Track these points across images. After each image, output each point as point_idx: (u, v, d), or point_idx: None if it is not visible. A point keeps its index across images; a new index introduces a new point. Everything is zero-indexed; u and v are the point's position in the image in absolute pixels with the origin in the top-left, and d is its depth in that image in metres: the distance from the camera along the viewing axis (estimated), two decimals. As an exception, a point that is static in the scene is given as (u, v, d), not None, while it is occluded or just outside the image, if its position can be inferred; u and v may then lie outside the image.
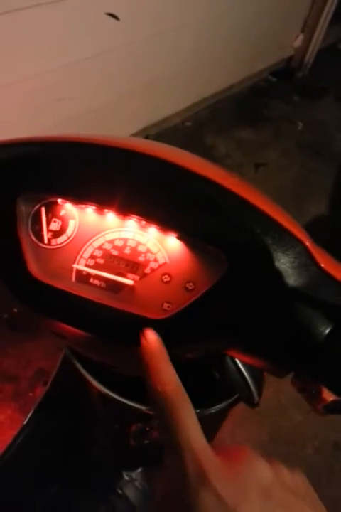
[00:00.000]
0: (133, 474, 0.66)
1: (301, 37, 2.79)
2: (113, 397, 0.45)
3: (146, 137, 2.03)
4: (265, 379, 0.52)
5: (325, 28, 2.79)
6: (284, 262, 0.29)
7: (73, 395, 0.64)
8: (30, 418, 0.68)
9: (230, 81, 2.51)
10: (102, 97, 1.72)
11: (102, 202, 0.30)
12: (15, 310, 1.32)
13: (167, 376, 0.27)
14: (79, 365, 0.47)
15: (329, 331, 0.28)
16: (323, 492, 0.24)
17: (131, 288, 0.31)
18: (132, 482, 0.66)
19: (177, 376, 0.27)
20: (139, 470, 0.66)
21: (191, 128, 2.30)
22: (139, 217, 0.30)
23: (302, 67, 2.91)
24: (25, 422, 0.68)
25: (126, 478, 0.66)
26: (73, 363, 0.47)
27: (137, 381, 0.45)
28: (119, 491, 0.65)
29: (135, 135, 1.97)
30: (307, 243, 0.30)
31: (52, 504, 0.64)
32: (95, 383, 0.46)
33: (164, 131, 2.16)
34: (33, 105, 1.47)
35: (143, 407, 0.45)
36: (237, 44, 2.30)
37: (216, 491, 0.22)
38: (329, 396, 0.30)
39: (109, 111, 1.79)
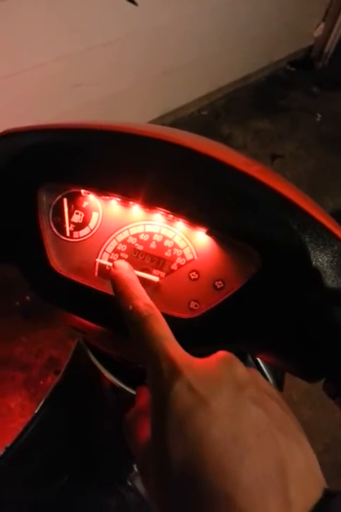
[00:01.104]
0: (143, 466, 0.65)
1: (322, 26, 2.71)
2: (125, 389, 0.45)
3: (162, 126, 2.01)
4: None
5: (348, 17, 2.72)
6: (322, 261, 0.27)
7: (85, 386, 0.64)
8: (41, 407, 0.68)
9: (248, 70, 2.47)
10: (118, 84, 1.71)
11: (127, 193, 0.29)
12: (28, 298, 1.32)
13: (136, 294, 0.27)
14: (92, 356, 0.47)
15: None
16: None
17: (157, 285, 0.30)
18: (141, 474, 0.65)
19: (148, 296, 0.28)
20: (149, 463, 0.65)
21: (207, 117, 2.27)
22: (166, 211, 0.29)
23: (322, 57, 2.83)
24: (36, 411, 0.68)
25: (136, 470, 0.65)
26: (86, 354, 0.47)
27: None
28: (129, 483, 0.65)
29: (151, 123, 1.95)
30: None
31: (62, 494, 0.63)
32: (108, 375, 0.46)
33: (180, 120, 2.13)
34: (50, 90, 1.46)
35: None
36: (255, 32, 2.26)
37: (189, 382, 0.23)
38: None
39: (124, 98, 1.78)
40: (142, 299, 0.27)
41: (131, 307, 0.26)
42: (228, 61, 2.23)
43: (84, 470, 0.66)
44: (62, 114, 1.47)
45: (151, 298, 0.28)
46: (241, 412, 0.22)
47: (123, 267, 0.28)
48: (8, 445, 0.65)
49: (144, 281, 0.29)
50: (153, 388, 0.24)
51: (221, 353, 0.26)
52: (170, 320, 0.28)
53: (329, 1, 2.59)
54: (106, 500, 0.65)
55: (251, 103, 2.43)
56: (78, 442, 0.67)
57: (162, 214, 0.29)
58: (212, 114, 2.29)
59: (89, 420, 0.67)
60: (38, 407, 0.68)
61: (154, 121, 1.99)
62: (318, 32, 2.74)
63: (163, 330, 0.26)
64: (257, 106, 2.41)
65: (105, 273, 0.30)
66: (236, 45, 2.19)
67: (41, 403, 0.69)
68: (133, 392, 0.45)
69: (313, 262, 0.27)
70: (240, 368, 0.25)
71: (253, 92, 2.52)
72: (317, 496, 0.20)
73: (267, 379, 0.45)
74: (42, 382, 1.21)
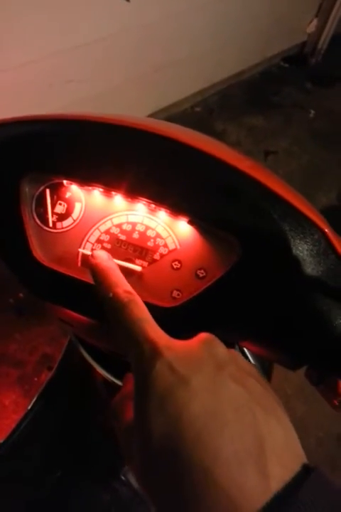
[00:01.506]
0: (137, 461, 0.66)
1: (315, 22, 2.71)
2: (117, 384, 0.45)
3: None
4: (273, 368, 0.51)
5: (340, 13, 2.71)
6: (302, 250, 0.27)
7: (77, 381, 0.64)
8: (34, 403, 0.68)
9: (241, 66, 2.46)
10: (111, 80, 1.70)
11: (110, 184, 0.29)
12: (21, 295, 1.32)
13: (115, 281, 0.27)
14: (84, 352, 0.47)
15: None
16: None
17: (139, 274, 0.30)
18: (135, 469, 0.66)
19: (127, 283, 0.28)
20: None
21: (201, 113, 2.27)
22: (148, 201, 0.29)
23: (315, 53, 2.83)
24: (29, 407, 0.68)
25: (129, 464, 0.66)
26: (78, 350, 0.47)
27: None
28: (122, 478, 0.65)
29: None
30: (326, 230, 0.29)
31: (56, 489, 0.64)
32: (100, 370, 0.46)
33: (173, 116, 2.13)
34: (41, 87, 1.45)
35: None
36: (248, 28, 2.25)
37: (169, 362, 0.23)
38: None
39: (117, 94, 1.77)
40: (122, 286, 0.27)
41: (111, 294, 0.27)
42: (221, 57, 2.22)
43: (77, 465, 0.66)
44: (53, 110, 1.45)
45: (134, 287, 0.28)
46: (220, 389, 0.23)
47: (101, 255, 0.29)
48: (1, 441, 0.65)
49: (127, 271, 0.30)
50: (136, 371, 0.25)
51: (202, 335, 0.26)
52: (153, 309, 0.28)
53: (322, -3, 2.60)
54: (100, 495, 0.65)
55: (245, 99, 2.43)
56: (71, 437, 0.67)
57: (144, 204, 0.29)
58: (206, 111, 2.28)
59: (83, 415, 0.67)
60: (31, 403, 0.68)
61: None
62: (311, 28, 2.73)
63: (142, 314, 0.26)
64: (251, 102, 2.41)
65: (88, 263, 0.30)
66: (229, 42, 2.18)
67: (34, 399, 0.69)
68: None
69: (293, 251, 0.27)
70: (220, 348, 0.25)
71: (247, 88, 2.51)
72: (296, 469, 0.21)
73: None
74: (36, 379, 1.21)
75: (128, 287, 0.28)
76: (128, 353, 0.26)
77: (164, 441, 0.21)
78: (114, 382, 0.45)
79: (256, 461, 0.20)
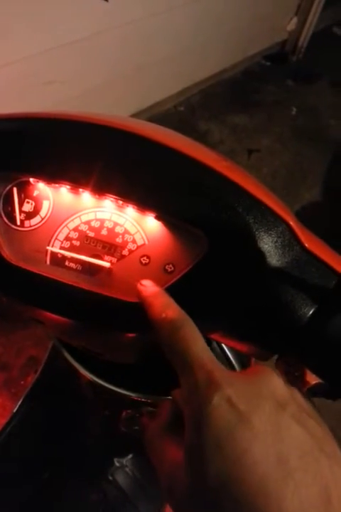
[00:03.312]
0: (124, 461, 0.66)
1: (295, 20, 2.74)
2: (102, 385, 0.45)
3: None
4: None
5: (320, 11, 2.74)
6: (267, 242, 0.28)
7: (63, 383, 0.64)
8: (20, 406, 0.68)
9: (223, 65, 2.47)
10: (92, 80, 1.69)
11: (77, 181, 0.29)
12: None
13: (167, 303, 0.27)
14: (67, 354, 0.47)
15: (313, 313, 0.28)
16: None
17: (108, 270, 0.30)
18: (123, 468, 0.66)
19: (176, 304, 0.27)
20: (130, 456, 0.66)
21: (184, 113, 2.27)
22: (116, 197, 0.29)
23: (296, 51, 2.86)
24: (15, 410, 0.68)
25: (117, 464, 0.66)
26: (61, 352, 0.47)
27: (126, 368, 0.45)
28: (110, 477, 0.65)
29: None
30: (291, 222, 0.29)
31: (43, 490, 0.64)
32: (83, 371, 0.46)
33: (156, 116, 2.13)
34: (21, 89, 1.44)
35: (132, 394, 0.44)
36: (229, 27, 2.26)
37: (228, 396, 0.22)
38: (312, 379, 0.29)
39: (98, 95, 1.76)
40: (173, 308, 0.27)
41: (163, 315, 0.26)
42: (202, 56, 2.23)
43: (65, 466, 0.66)
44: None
45: (103, 283, 0.29)
46: (283, 432, 0.21)
47: (147, 283, 0.28)
48: (-13, 445, 0.65)
49: (96, 267, 0.30)
50: (189, 400, 0.23)
51: (260, 367, 0.25)
52: (122, 304, 0.29)
53: (301, -5, 2.63)
54: (88, 495, 0.65)
55: (227, 98, 2.44)
56: (58, 439, 0.67)
57: (112, 200, 0.30)
58: (189, 110, 2.29)
59: (69, 417, 0.67)
60: (17, 406, 0.68)
61: (130, 118, 1.98)
62: (291, 26, 2.76)
63: (197, 338, 0.25)
64: (233, 101, 2.42)
65: (57, 261, 0.30)
66: (210, 40, 2.19)
67: (19, 402, 0.68)
68: (110, 386, 0.45)
69: (258, 243, 0.28)
70: (280, 384, 0.24)
71: (229, 86, 2.52)
72: None
73: (231, 364, 0.46)
74: (22, 382, 1.20)
75: (180, 309, 0.27)
76: (180, 377, 0.24)
77: (221, 484, 0.20)
78: (98, 383, 0.45)
79: None
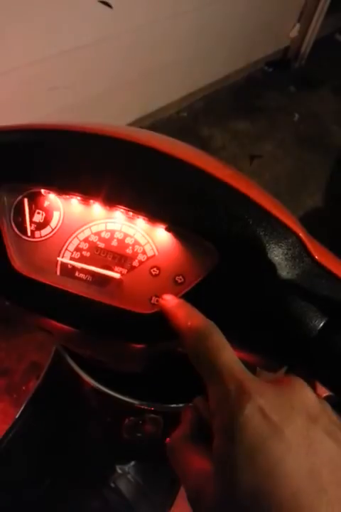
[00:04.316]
0: (126, 467, 0.66)
1: (298, 27, 2.75)
2: (105, 392, 0.45)
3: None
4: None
5: (322, 18, 2.75)
6: (277, 254, 0.28)
7: (65, 389, 0.64)
8: (22, 412, 0.68)
9: (226, 71, 2.48)
10: (96, 86, 1.70)
11: (88, 192, 0.29)
12: (8, 303, 1.31)
13: (192, 312, 0.27)
14: (70, 360, 0.47)
15: (323, 325, 0.28)
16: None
17: (118, 281, 0.30)
18: (125, 475, 0.66)
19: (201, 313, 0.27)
20: (132, 463, 0.66)
21: (186, 119, 2.28)
22: (126, 208, 0.29)
23: (298, 57, 2.87)
24: (17, 416, 0.68)
25: (119, 471, 0.66)
26: (65, 358, 0.47)
27: (129, 375, 0.44)
28: (112, 485, 0.65)
29: (129, 126, 1.94)
30: (300, 234, 0.29)
31: (45, 497, 0.63)
32: (87, 378, 0.46)
33: (159, 122, 2.13)
34: (26, 94, 1.44)
35: (135, 401, 0.44)
36: (233, 33, 2.27)
37: (260, 406, 0.21)
38: (322, 391, 0.29)
39: (102, 101, 1.77)
40: (199, 317, 0.26)
41: (189, 323, 0.26)
42: (206, 62, 2.24)
43: (66, 473, 0.66)
44: (38, 118, 1.45)
45: (113, 294, 0.29)
46: (315, 445, 0.21)
47: (168, 297, 0.28)
48: (-11, 451, 0.65)
49: (106, 278, 0.30)
50: (219, 410, 0.23)
51: (290, 378, 0.25)
52: (132, 315, 0.28)
53: (304, 2, 2.64)
54: (90, 502, 0.65)
55: (230, 104, 2.45)
56: (60, 445, 0.67)
57: (122, 212, 0.30)
58: (191, 116, 2.29)
59: (72, 423, 0.67)
60: (19, 413, 0.68)
61: (132, 124, 1.98)
62: (294, 33, 2.77)
63: (226, 348, 0.25)
64: (236, 107, 2.43)
65: (67, 272, 0.30)
66: (214, 47, 2.20)
67: (22, 408, 0.68)
68: (113, 393, 0.45)
69: (268, 255, 0.28)
70: (311, 396, 0.24)
71: (232, 93, 2.53)
72: None
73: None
74: (24, 388, 1.20)
75: (203, 316, 0.27)
76: (208, 387, 0.24)
77: (252, 495, 0.20)
78: (101, 390, 0.45)
79: None
